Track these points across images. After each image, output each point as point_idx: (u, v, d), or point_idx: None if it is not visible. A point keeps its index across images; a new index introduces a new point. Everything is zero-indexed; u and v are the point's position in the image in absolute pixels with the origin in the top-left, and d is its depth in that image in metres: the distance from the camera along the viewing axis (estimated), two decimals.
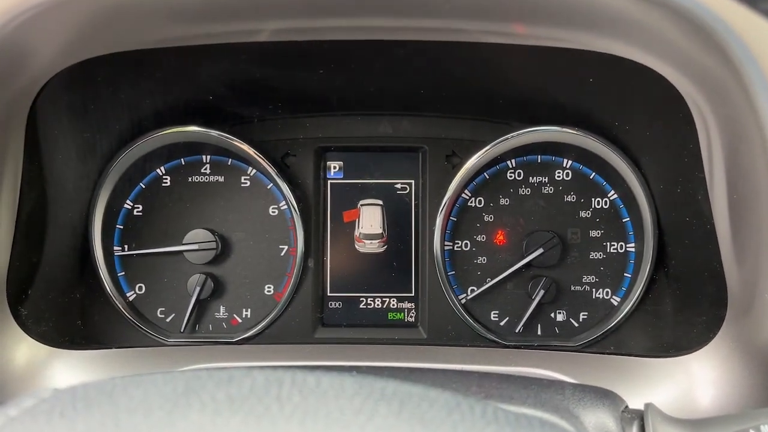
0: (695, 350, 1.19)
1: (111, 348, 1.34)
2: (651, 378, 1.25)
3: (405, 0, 1.00)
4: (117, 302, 1.43)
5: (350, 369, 1.01)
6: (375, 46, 1.16)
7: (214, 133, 1.40)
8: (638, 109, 1.27)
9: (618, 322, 1.41)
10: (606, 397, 0.90)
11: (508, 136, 1.41)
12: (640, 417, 0.86)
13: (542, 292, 1.41)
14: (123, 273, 1.46)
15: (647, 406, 0.86)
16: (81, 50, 1.05)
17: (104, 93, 1.25)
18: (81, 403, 0.53)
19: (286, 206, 1.44)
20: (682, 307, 1.33)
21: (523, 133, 1.40)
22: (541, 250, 1.41)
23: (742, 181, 1.01)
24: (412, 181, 1.49)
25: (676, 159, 1.20)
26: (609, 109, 1.32)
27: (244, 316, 1.47)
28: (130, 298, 1.46)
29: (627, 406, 0.89)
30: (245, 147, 1.41)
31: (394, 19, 1.04)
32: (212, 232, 1.44)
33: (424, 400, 0.53)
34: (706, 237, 1.15)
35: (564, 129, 1.38)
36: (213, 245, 1.43)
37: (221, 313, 1.47)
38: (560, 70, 1.20)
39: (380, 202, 1.49)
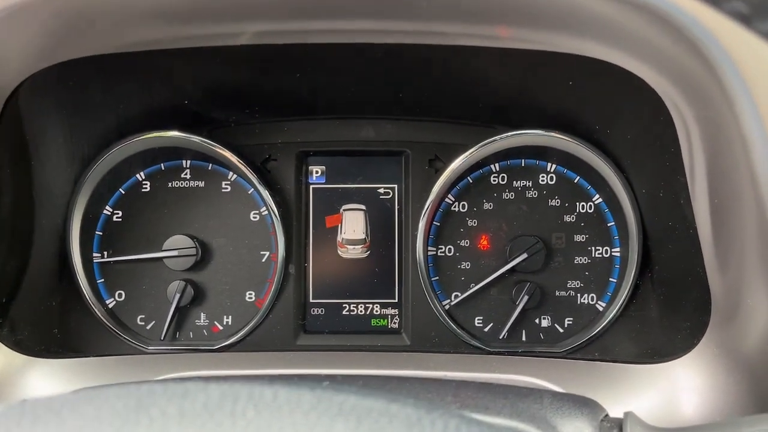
0: (680, 356, 1.17)
1: (89, 356, 1.32)
2: (636, 385, 1.24)
3: (385, 2, 0.99)
4: (96, 309, 1.41)
5: (331, 377, 1.00)
6: (356, 48, 1.15)
7: (194, 138, 1.39)
8: (619, 113, 1.25)
9: (603, 327, 1.40)
10: (585, 405, 0.88)
11: (492, 139, 1.39)
12: (619, 426, 0.84)
13: (526, 297, 1.39)
14: (102, 280, 1.44)
15: (626, 414, 0.84)
16: (55, 53, 1.04)
17: (81, 96, 1.23)
18: (27, 421, 0.51)
19: (267, 212, 1.43)
20: (667, 312, 1.31)
21: (507, 136, 1.39)
22: (525, 255, 1.39)
23: (723, 185, 1.00)
24: (395, 186, 1.47)
25: (658, 163, 1.18)
26: (591, 112, 1.31)
27: (225, 323, 1.45)
28: (110, 305, 1.44)
29: (607, 415, 0.87)
30: (225, 152, 1.39)
31: (374, 22, 1.03)
32: (192, 237, 1.42)
33: (383, 416, 0.51)
34: (689, 242, 1.14)
35: (547, 133, 1.37)
36: (193, 251, 1.41)
37: (202, 320, 1.45)
38: (542, 73, 1.18)
39: (363, 207, 1.47)
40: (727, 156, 0.96)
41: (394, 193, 1.47)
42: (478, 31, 1.06)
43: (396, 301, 1.47)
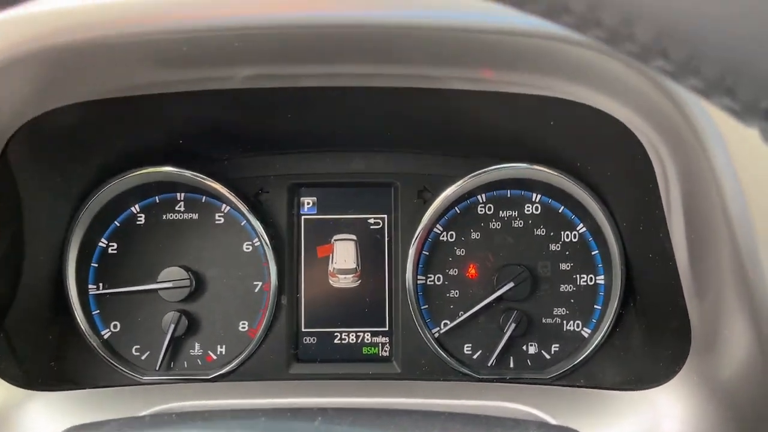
0: (661, 384, 1.20)
1: (85, 388, 1.34)
2: (620, 411, 1.27)
3: (370, 47, 1.03)
4: (92, 341, 1.43)
5: (323, 410, 1.03)
6: (346, 90, 1.19)
7: (187, 173, 1.42)
8: (598, 150, 1.30)
9: (588, 354, 1.43)
10: None
11: (478, 172, 1.43)
12: None
13: (513, 325, 1.42)
14: (98, 311, 1.46)
15: None
16: (47, 101, 1.07)
17: (74, 139, 1.26)
18: None
19: (259, 243, 1.46)
20: (649, 340, 1.35)
21: (493, 169, 1.43)
22: (511, 284, 1.43)
23: (698, 221, 1.04)
24: (385, 216, 1.50)
25: (638, 197, 1.22)
26: (572, 149, 1.35)
27: (219, 352, 1.47)
28: (105, 336, 1.46)
29: None
30: (218, 186, 1.42)
31: (361, 66, 1.06)
32: (186, 269, 1.45)
33: None
34: (669, 272, 1.18)
35: (532, 166, 1.41)
36: (187, 283, 1.44)
37: (196, 350, 1.47)
38: (524, 112, 1.22)
39: (354, 237, 1.51)
40: (702, 194, 1.00)
41: (384, 224, 1.50)
42: (463, 75, 1.10)
43: (387, 329, 1.50)
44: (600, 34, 0.46)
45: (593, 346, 1.43)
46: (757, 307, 0.95)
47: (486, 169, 1.43)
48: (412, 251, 1.44)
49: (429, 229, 1.46)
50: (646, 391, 1.23)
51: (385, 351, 1.50)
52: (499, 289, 1.43)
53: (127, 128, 1.30)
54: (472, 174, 1.43)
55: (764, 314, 0.94)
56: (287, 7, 0.93)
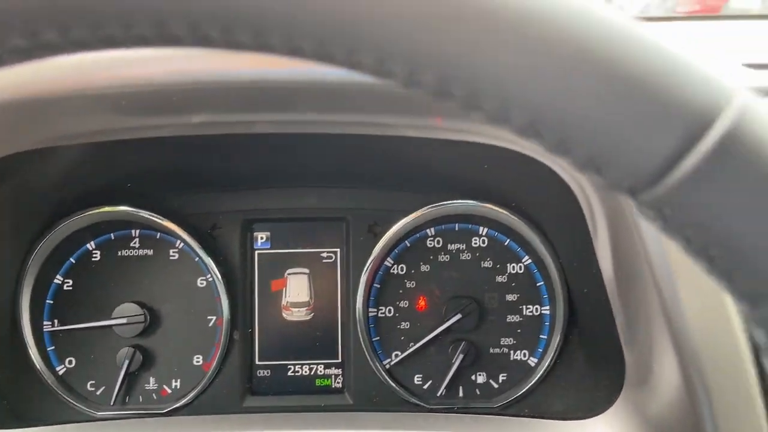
0: (599, 414, 1.25)
1: (39, 425, 1.36)
2: None
3: (315, 97, 1.07)
4: (46, 377, 1.45)
5: None
6: (296, 136, 1.23)
7: (142, 212, 1.45)
8: (534, 190, 1.35)
9: (534, 383, 1.47)
10: None
11: (428, 207, 1.48)
12: None
13: (462, 356, 1.46)
14: (53, 347, 1.48)
15: None
16: None
17: (23, 185, 1.28)
18: None
19: (212, 278, 1.48)
20: (590, 370, 1.40)
21: (441, 205, 1.48)
22: (459, 316, 1.47)
23: (625, 261, 1.09)
24: (338, 250, 1.54)
25: (573, 233, 1.27)
26: (511, 189, 1.40)
27: (173, 386, 1.49)
28: (60, 373, 1.47)
29: None
30: (172, 225, 1.45)
31: (309, 115, 1.10)
32: (141, 305, 1.47)
33: None
34: (604, 306, 1.23)
35: (477, 203, 1.46)
36: (141, 318, 1.46)
37: (151, 385, 1.49)
38: (463, 156, 1.27)
39: (307, 271, 1.54)
40: (626, 234, 1.05)
41: (336, 257, 1.54)
42: (412, 123, 1.15)
43: (339, 361, 1.53)
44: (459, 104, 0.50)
45: (539, 376, 1.47)
46: (680, 346, 1.00)
47: (435, 205, 1.48)
48: (362, 284, 1.48)
49: (380, 262, 1.50)
50: (585, 420, 1.28)
51: (338, 383, 1.53)
52: (447, 321, 1.47)
53: (79, 173, 1.32)
54: (422, 209, 1.48)
55: (687, 353, 0.99)
56: (217, 65, 0.97)
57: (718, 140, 0.47)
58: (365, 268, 1.48)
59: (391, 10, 0.46)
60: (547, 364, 1.46)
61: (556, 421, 1.35)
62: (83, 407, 1.46)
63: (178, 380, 1.50)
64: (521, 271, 1.51)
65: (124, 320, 1.46)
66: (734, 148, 0.47)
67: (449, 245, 1.52)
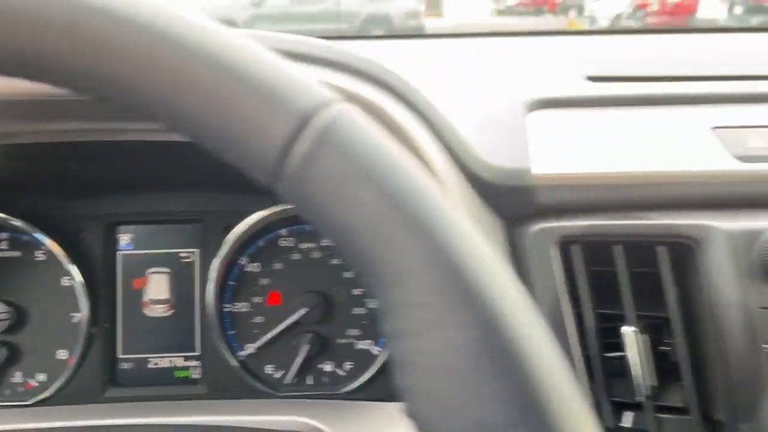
0: None
1: None
2: (391, 420, 1.43)
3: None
4: None
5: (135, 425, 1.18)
6: (127, 143, 1.33)
7: (12, 220, 1.54)
8: None
9: (378, 370, 1.59)
10: None
11: (275, 207, 1.58)
12: None
13: (307, 346, 1.57)
14: None
15: None
16: None
17: None
18: None
19: (75, 278, 1.58)
20: None
21: (291, 206, 1.58)
22: (305, 309, 1.58)
23: None
24: (196, 250, 1.65)
25: None
26: None
27: (39, 380, 1.59)
28: None
29: None
30: (37, 231, 1.55)
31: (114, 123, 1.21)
32: (9, 303, 1.57)
33: None
34: None
35: None
36: (6, 316, 1.56)
37: (17, 378, 1.59)
38: None
39: (168, 270, 1.64)
40: None
41: (194, 257, 1.65)
42: None
43: (198, 354, 1.63)
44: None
45: (381, 363, 1.58)
46: None
47: (285, 206, 1.59)
48: (213, 281, 1.58)
49: (234, 261, 1.61)
50: None
51: (196, 374, 1.63)
52: (293, 315, 1.58)
53: None
54: (271, 208, 1.59)
55: None
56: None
57: (315, 139, 0.58)
58: (214, 265, 1.58)
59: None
60: (386, 352, 1.58)
61: (390, 402, 1.46)
62: None
63: (44, 374, 1.59)
64: None
65: None
66: (328, 148, 0.58)
67: (301, 244, 1.64)
